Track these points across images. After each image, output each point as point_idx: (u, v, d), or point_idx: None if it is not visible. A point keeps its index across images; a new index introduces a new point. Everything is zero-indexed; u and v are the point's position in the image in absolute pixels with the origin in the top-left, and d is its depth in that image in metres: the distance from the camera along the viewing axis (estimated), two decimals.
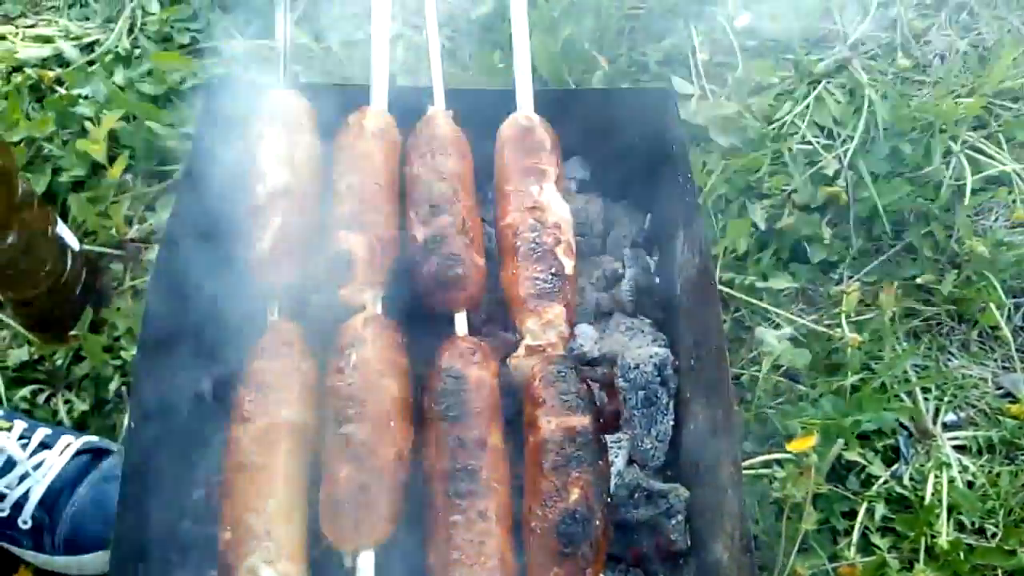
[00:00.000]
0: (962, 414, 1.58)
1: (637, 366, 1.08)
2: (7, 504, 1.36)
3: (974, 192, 1.69)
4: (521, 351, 0.94)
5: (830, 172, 1.67)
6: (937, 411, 1.56)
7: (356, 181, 1.00)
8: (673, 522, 1.03)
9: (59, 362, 1.58)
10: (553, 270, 0.98)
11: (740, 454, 0.94)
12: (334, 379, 0.88)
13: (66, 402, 1.55)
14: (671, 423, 1.09)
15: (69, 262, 1.55)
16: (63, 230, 1.55)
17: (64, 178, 1.71)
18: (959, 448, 1.54)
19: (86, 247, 1.64)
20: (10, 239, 1.43)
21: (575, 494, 0.83)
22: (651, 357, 1.09)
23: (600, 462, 0.87)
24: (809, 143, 1.73)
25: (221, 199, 1.04)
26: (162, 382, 0.99)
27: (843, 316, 1.56)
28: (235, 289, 0.96)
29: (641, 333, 1.14)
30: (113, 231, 1.67)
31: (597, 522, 0.83)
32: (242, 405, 0.86)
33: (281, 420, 0.86)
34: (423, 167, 1.04)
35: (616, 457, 1.04)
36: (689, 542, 1.03)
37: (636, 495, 1.02)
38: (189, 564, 0.96)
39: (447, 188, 1.01)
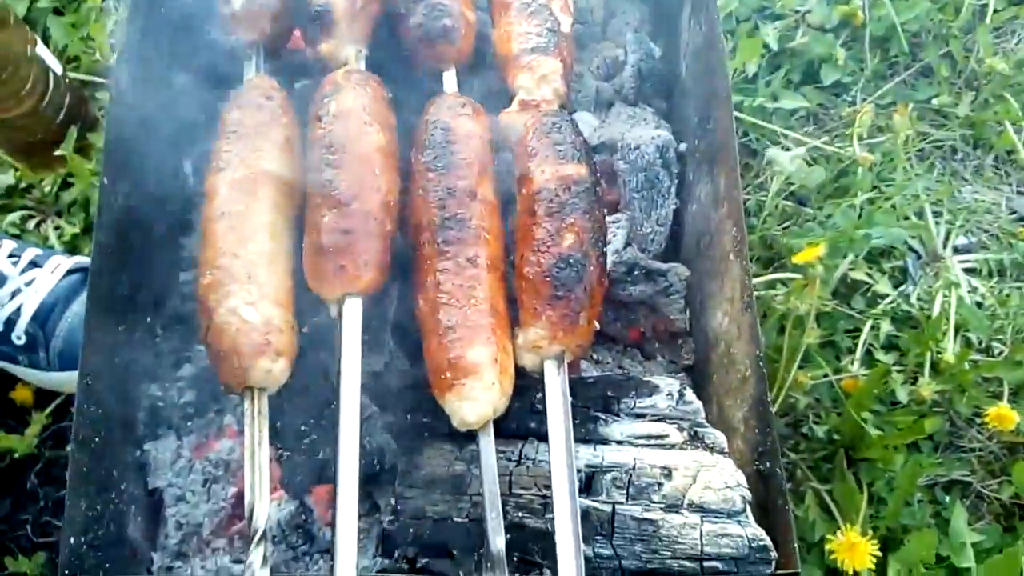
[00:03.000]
0: (973, 238, 1.54)
1: (638, 147, 1.04)
2: None
3: (996, 11, 1.60)
4: (514, 107, 0.90)
5: None
6: (948, 235, 1.52)
7: None
8: (672, 301, 1.00)
9: (48, 189, 1.54)
10: (549, 25, 0.92)
11: (744, 221, 0.90)
12: (315, 128, 0.84)
13: (56, 228, 1.52)
14: (672, 208, 1.05)
15: (51, 84, 1.49)
16: (43, 51, 1.49)
17: (43, 3, 1.64)
18: (969, 271, 1.50)
19: (70, 75, 1.58)
20: None
21: (569, 239, 0.80)
22: (653, 139, 1.05)
23: (596, 212, 0.83)
24: None
25: None
26: (135, 179, 0.94)
27: (855, 137, 1.50)
28: (210, 56, 0.90)
29: (643, 122, 1.09)
30: (97, 56, 1.60)
31: (591, 267, 0.80)
32: (218, 156, 0.82)
33: (260, 170, 0.82)
34: None
35: (614, 237, 1.00)
36: (688, 322, 1.00)
37: (635, 273, 0.99)
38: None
39: None
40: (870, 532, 1.20)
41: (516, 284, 0.82)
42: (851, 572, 1.22)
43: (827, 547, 1.21)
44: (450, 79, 0.91)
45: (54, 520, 1.35)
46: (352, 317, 0.80)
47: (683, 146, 1.05)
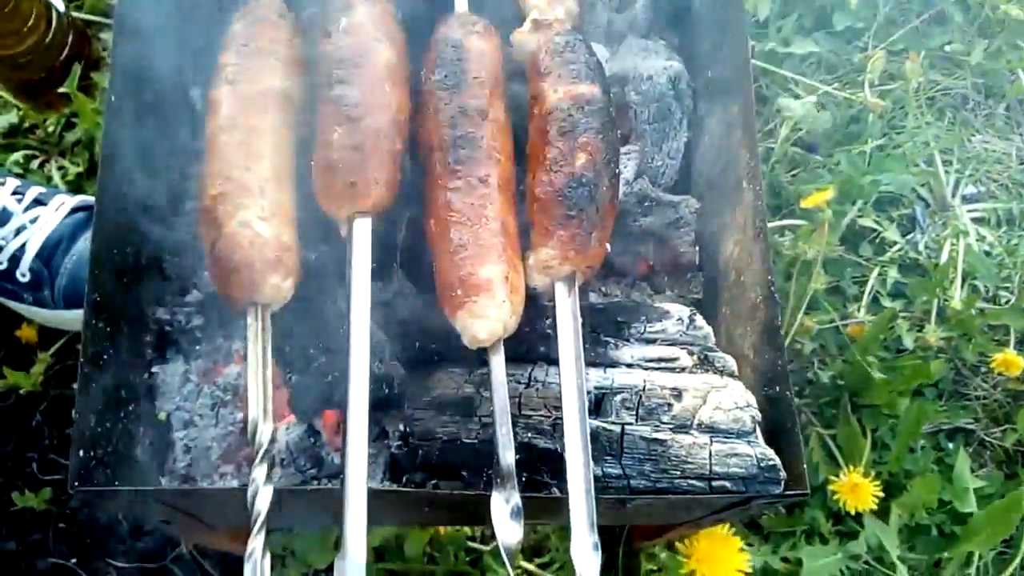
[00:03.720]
0: (982, 187, 1.53)
1: (650, 77, 1.02)
2: (4, 256, 1.34)
3: None
4: (526, 26, 0.88)
5: None
6: (957, 183, 1.51)
7: None
8: (682, 233, 0.99)
9: (51, 128, 1.53)
10: None
11: (757, 149, 0.89)
12: (325, 44, 0.82)
13: (59, 168, 1.51)
14: (684, 140, 1.04)
15: (54, 21, 1.47)
16: None
17: None
18: (977, 220, 1.50)
19: (73, 14, 1.56)
20: None
21: (582, 159, 0.79)
22: (665, 69, 1.03)
23: (610, 132, 0.82)
24: None
25: None
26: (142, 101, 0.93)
27: (866, 84, 1.48)
28: None
29: (655, 54, 1.08)
30: None
31: (604, 187, 0.79)
32: (224, 69, 0.80)
33: (269, 86, 0.80)
34: None
35: (625, 168, 0.99)
36: (698, 255, 1.00)
37: (645, 204, 0.98)
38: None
39: None
40: (873, 475, 1.21)
41: (528, 204, 0.81)
42: (853, 512, 1.23)
43: (830, 488, 1.22)
44: None
45: (59, 458, 1.36)
46: (362, 236, 0.79)
47: (694, 85, 1.03)
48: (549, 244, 0.78)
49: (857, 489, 1.19)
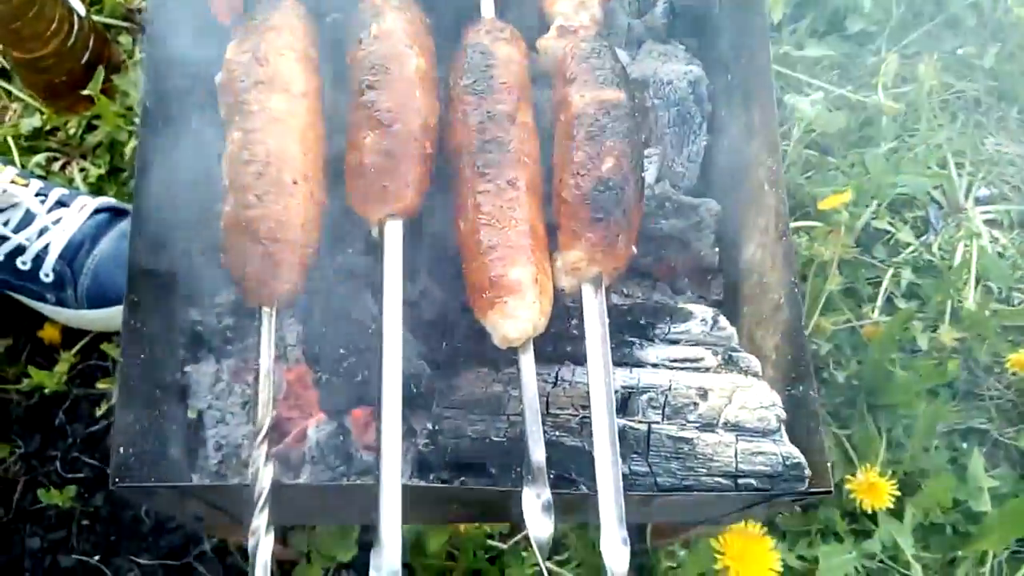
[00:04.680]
0: (995, 190, 1.54)
1: (670, 82, 1.04)
2: (28, 257, 1.35)
3: None
4: (552, 32, 0.90)
5: None
6: (970, 186, 1.53)
7: None
8: (703, 236, 1.00)
9: (72, 131, 1.55)
10: None
11: (780, 153, 0.90)
12: (356, 50, 0.84)
13: (81, 170, 1.53)
14: (704, 144, 1.05)
15: (76, 24, 1.49)
16: None
17: None
18: (990, 222, 1.51)
19: (94, 18, 1.58)
20: None
21: (609, 163, 0.81)
22: (685, 74, 1.05)
23: (635, 136, 0.83)
24: None
25: None
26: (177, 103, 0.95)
27: (880, 86, 1.50)
28: None
29: (675, 58, 1.09)
30: None
31: (630, 191, 0.81)
32: (248, 69, 0.81)
33: (292, 88, 0.82)
34: None
35: (646, 172, 1.00)
36: (718, 258, 1.01)
37: (666, 207, 0.99)
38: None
39: None
40: (888, 474, 1.22)
41: (555, 207, 0.83)
42: (870, 511, 1.24)
43: (847, 487, 1.23)
44: (487, 5, 0.91)
45: (83, 456, 1.37)
46: (393, 238, 0.81)
47: (713, 87, 1.05)
48: (577, 246, 0.80)
49: (874, 488, 1.21)
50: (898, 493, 1.21)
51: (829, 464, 0.78)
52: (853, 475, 1.24)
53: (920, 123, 1.52)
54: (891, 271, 1.42)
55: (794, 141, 1.46)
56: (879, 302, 1.41)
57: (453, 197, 0.84)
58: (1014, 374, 1.34)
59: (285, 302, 0.79)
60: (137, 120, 1.30)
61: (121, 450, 0.76)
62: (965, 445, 1.38)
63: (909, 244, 1.44)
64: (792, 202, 1.49)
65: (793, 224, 1.43)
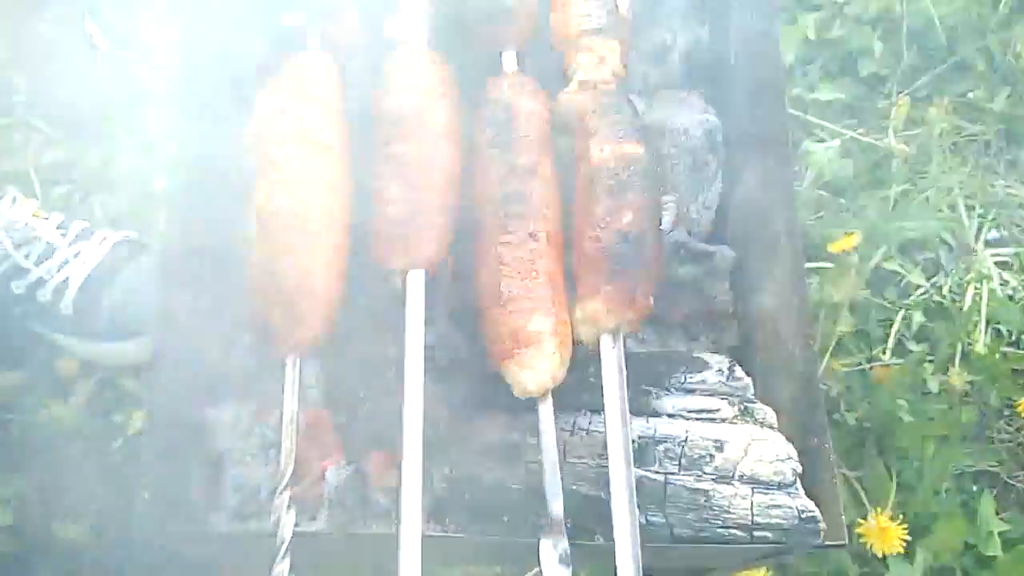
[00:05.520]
0: (1005, 232, 1.55)
1: (686, 130, 1.06)
2: (48, 290, 1.37)
3: None
4: (573, 86, 0.92)
5: None
6: (980, 228, 1.54)
7: None
8: (717, 283, 1.02)
9: (94, 164, 1.57)
10: (608, 8, 0.94)
11: (794, 205, 0.92)
12: (382, 100, 0.86)
13: (102, 203, 1.55)
14: (718, 191, 1.07)
15: None
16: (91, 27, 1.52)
17: None
18: (1000, 264, 1.52)
19: None
20: None
21: (628, 216, 0.82)
22: (701, 123, 1.07)
23: (654, 190, 0.85)
24: None
25: None
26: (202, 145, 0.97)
27: (891, 129, 1.51)
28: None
29: (691, 106, 1.11)
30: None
31: (649, 244, 0.82)
32: (273, 119, 0.83)
33: (317, 138, 0.84)
34: None
35: (661, 219, 1.02)
36: (733, 304, 1.02)
37: (681, 254, 1.01)
38: None
39: None
40: (899, 518, 1.22)
41: (575, 258, 0.85)
42: (880, 556, 1.24)
43: (857, 531, 1.24)
44: (510, 59, 0.94)
45: (98, 488, 1.38)
46: (416, 288, 0.83)
47: (729, 133, 1.07)
48: (597, 298, 0.81)
49: (885, 533, 1.21)
50: (908, 538, 1.21)
51: (843, 516, 0.79)
52: (864, 518, 1.24)
53: (931, 165, 1.53)
54: (902, 313, 1.43)
55: (806, 183, 1.48)
56: (890, 343, 1.41)
57: (474, 246, 0.86)
58: None
59: (309, 352, 0.81)
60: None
61: (145, 495, 0.77)
62: (975, 487, 1.38)
63: (920, 286, 1.45)
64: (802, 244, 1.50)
65: (804, 266, 1.44)
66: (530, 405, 0.82)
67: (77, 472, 1.38)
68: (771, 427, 0.86)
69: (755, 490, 0.81)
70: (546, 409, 0.79)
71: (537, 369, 0.78)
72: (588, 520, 0.84)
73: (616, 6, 0.94)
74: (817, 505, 0.82)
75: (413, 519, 0.73)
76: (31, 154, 1.58)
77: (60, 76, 1.51)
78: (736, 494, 0.81)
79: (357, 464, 0.92)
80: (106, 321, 1.38)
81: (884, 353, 1.41)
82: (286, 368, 0.80)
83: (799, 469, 0.83)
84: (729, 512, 0.80)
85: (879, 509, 1.24)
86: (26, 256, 1.36)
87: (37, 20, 1.54)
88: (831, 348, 1.36)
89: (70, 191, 1.55)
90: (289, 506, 0.75)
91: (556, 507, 0.75)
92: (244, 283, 0.83)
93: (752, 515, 0.80)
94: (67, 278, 1.37)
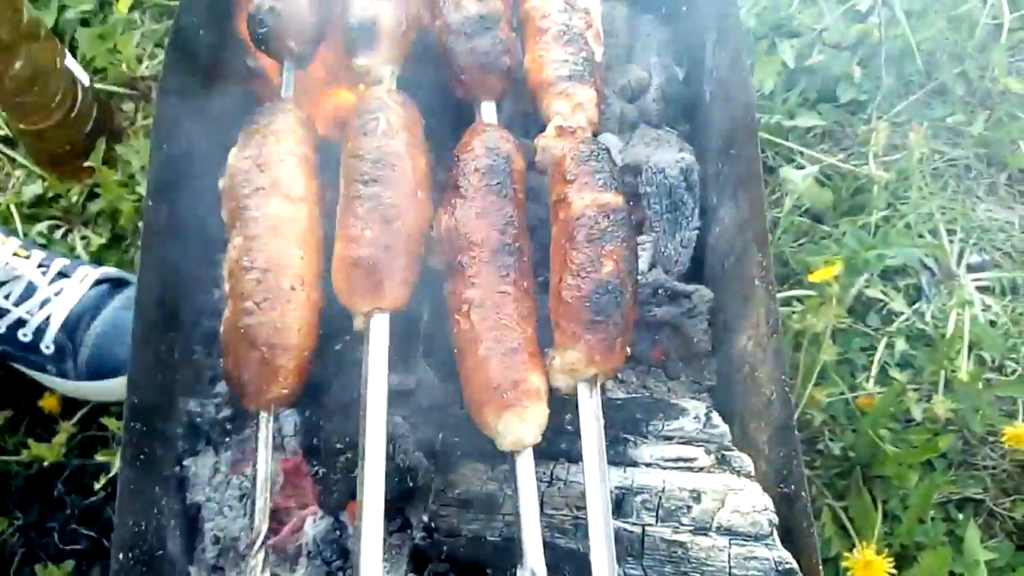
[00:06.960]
0: (986, 256, 1.55)
1: (663, 170, 1.06)
2: (29, 329, 1.37)
3: (1011, 30, 1.62)
4: (550, 131, 0.91)
5: (863, 8, 1.61)
6: (961, 253, 1.54)
7: None
8: (696, 322, 1.02)
9: (75, 199, 1.57)
10: (584, 55, 0.94)
11: (769, 247, 0.92)
12: (359, 142, 0.85)
13: (83, 238, 1.55)
14: (696, 230, 1.07)
15: (79, 96, 1.52)
16: (72, 63, 1.52)
17: (71, 14, 1.66)
18: (982, 289, 1.52)
19: (97, 86, 1.60)
20: (18, 65, 1.40)
21: (608, 266, 0.82)
22: (677, 162, 1.07)
23: (632, 240, 0.85)
24: None
25: None
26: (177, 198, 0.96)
27: (871, 155, 1.52)
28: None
29: (667, 144, 1.11)
30: (124, 67, 1.63)
31: (628, 294, 0.82)
32: (250, 173, 0.83)
33: (296, 191, 0.83)
34: None
35: (639, 259, 1.02)
36: (711, 343, 1.02)
37: (659, 294, 1.01)
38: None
39: None
40: (884, 549, 1.22)
41: (553, 306, 0.84)
42: None
43: (843, 564, 1.23)
44: (489, 109, 0.94)
45: (81, 528, 1.37)
46: (380, 332, 0.82)
47: (704, 173, 1.07)
48: (576, 347, 0.81)
49: (870, 566, 1.20)
50: (895, 571, 1.21)
51: (820, 566, 0.79)
52: (850, 550, 1.24)
53: (911, 191, 1.54)
54: (885, 340, 1.43)
55: (785, 211, 1.48)
56: (873, 371, 1.41)
57: (449, 293, 0.85)
58: (1014, 450, 1.34)
59: (282, 406, 0.80)
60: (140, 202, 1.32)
61: (120, 556, 0.76)
62: (961, 515, 1.38)
63: (902, 313, 1.46)
64: (784, 270, 1.50)
65: (786, 293, 1.44)
66: (505, 454, 0.81)
67: (59, 510, 1.37)
68: (748, 476, 0.86)
69: (732, 542, 0.81)
70: (524, 463, 0.79)
71: (528, 421, 0.78)
72: (566, 572, 0.83)
73: (592, 52, 0.94)
74: (794, 552, 0.82)
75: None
76: (12, 189, 1.58)
77: None
78: (714, 546, 0.80)
79: (335, 515, 0.92)
80: (87, 359, 1.37)
81: (868, 381, 1.41)
82: (259, 423, 0.79)
83: (775, 520, 0.82)
84: (707, 564, 0.80)
85: (864, 543, 1.24)
86: (6, 296, 1.36)
87: None
88: (814, 377, 1.35)
89: (51, 226, 1.55)
90: (264, 567, 0.75)
91: (535, 560, 0.74)
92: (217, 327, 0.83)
93: (730, 567, 0.80)
94: (48, 316, 1.37)
